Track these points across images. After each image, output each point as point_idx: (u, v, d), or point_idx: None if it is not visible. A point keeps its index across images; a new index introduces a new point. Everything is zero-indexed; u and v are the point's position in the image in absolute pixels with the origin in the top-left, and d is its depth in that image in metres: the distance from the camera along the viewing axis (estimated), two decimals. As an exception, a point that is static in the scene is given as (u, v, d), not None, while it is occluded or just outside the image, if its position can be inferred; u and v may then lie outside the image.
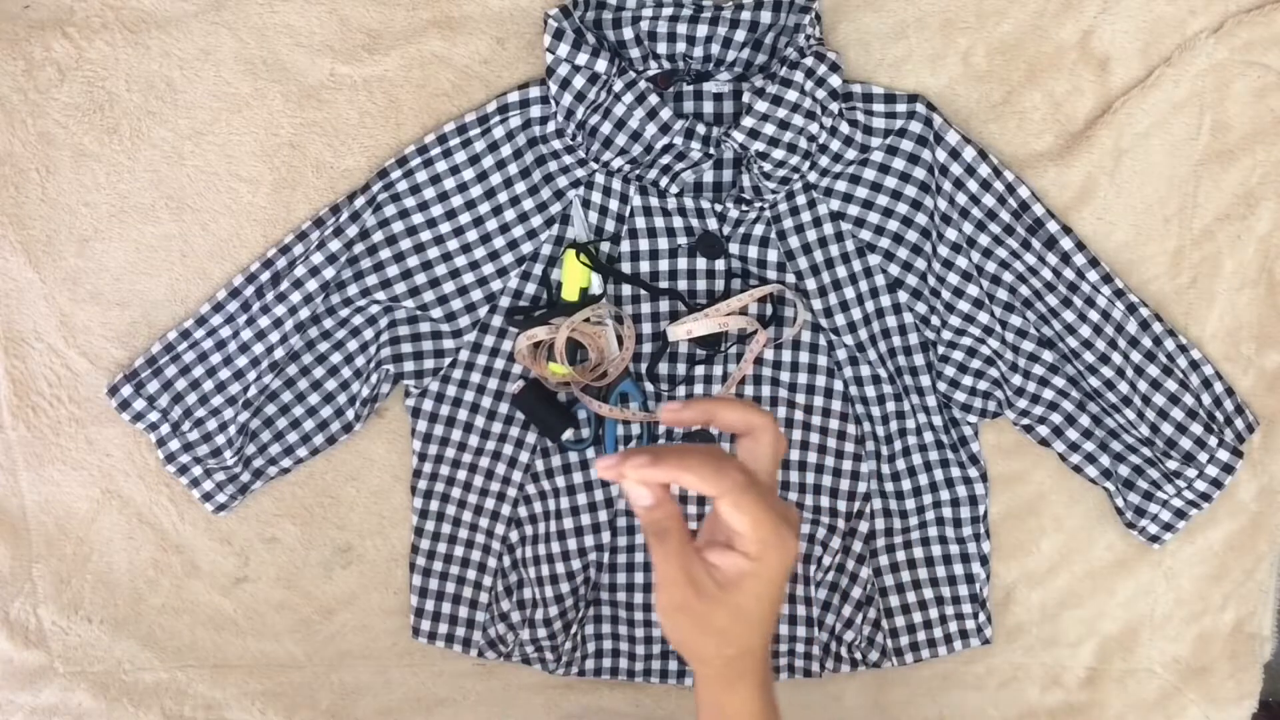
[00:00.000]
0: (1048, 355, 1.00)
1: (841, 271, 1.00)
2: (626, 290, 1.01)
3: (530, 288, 1.01)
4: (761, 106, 0.92)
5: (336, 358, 1.01)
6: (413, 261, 1.00)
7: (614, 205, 0.99)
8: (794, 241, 1.00)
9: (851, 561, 1.04)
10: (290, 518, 1.06)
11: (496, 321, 1.02)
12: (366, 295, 1.00)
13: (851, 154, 0.98)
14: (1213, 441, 0.99)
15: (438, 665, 1.09)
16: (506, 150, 0.99)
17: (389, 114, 1.00)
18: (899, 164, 0.98)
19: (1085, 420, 1.01)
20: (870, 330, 1.01)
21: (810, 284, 1.00)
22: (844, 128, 0.97)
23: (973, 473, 1.03)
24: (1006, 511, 1.06)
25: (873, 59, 0.99)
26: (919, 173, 0.98)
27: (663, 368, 1.02)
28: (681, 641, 0.62)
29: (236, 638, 1.08)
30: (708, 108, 0.99)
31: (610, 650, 1.06)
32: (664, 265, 1.01)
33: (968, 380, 1.01)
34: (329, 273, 0.99)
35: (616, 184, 0.99)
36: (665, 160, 0.97)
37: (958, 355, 1.01)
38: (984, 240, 0.99)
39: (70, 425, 1.04)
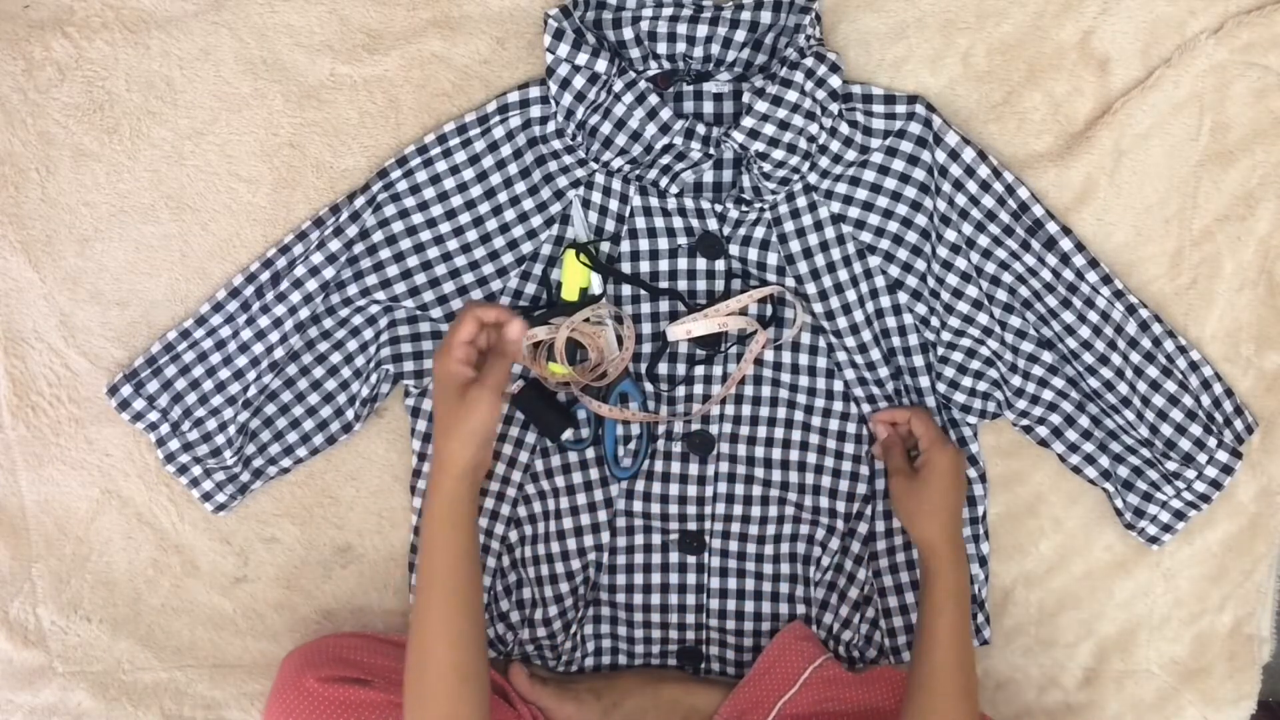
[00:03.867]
0: (1047, 356, 1.01)
1: (842, 274, 1.00)
2: (626, 290, 1.01)
3: (530, 288, 1.01)
4: (761, 107, 0.92)
5: (336, 358, 1.01)
6: (413, 261, 1.00)
7: (614, 205, 0.99)
8: (794, 245, 1.00)
9: (850, 562, 1.04)
10: (290, 518, 1.07)
11: (496, 321, 1.02)
12: (366, 295, 1.00)
13: (851, 155, 0.98)
14: (1212, 442, 0.99)
15: (437, 665, 1.09)
16: (506, 150, 0.99)
17: (389, 114, 1.00)
18: (898, 165, 0.98)
19: (1084, 421, 1.01)
20: (871, 331, 1.01)
21: (810, 287, 1.00)
22: (844, 128, 0.97)
23: (972, 473, 1.03)
24: (1005, 512, 1.06)
25: (873, 59, 0.99)
26: (918, 174, 0.98)
27: (662, 368, 1.02)
28: (904, 515, 0.98)
29: (236, 638, 1.08)
30: (708, 108, 0.99)
31: (610, 649, 1.06)
32: (664, 265, 1.01)
33: (967, 381, 1.01)
34: (329, 273, 0.99)
35: (616, 184, 0.99)
36: (665, 160, 0.97)
37: (957, 356, 1.01)
38: (983, 241, 0.99)
39: (70, 425, 1.04)
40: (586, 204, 1.00)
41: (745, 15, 0.95)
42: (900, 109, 0.97)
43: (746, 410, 1.02)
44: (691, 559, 1.04)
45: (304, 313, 0.99)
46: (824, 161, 0.98)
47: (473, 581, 0.84)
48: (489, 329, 0.88)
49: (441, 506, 0.84)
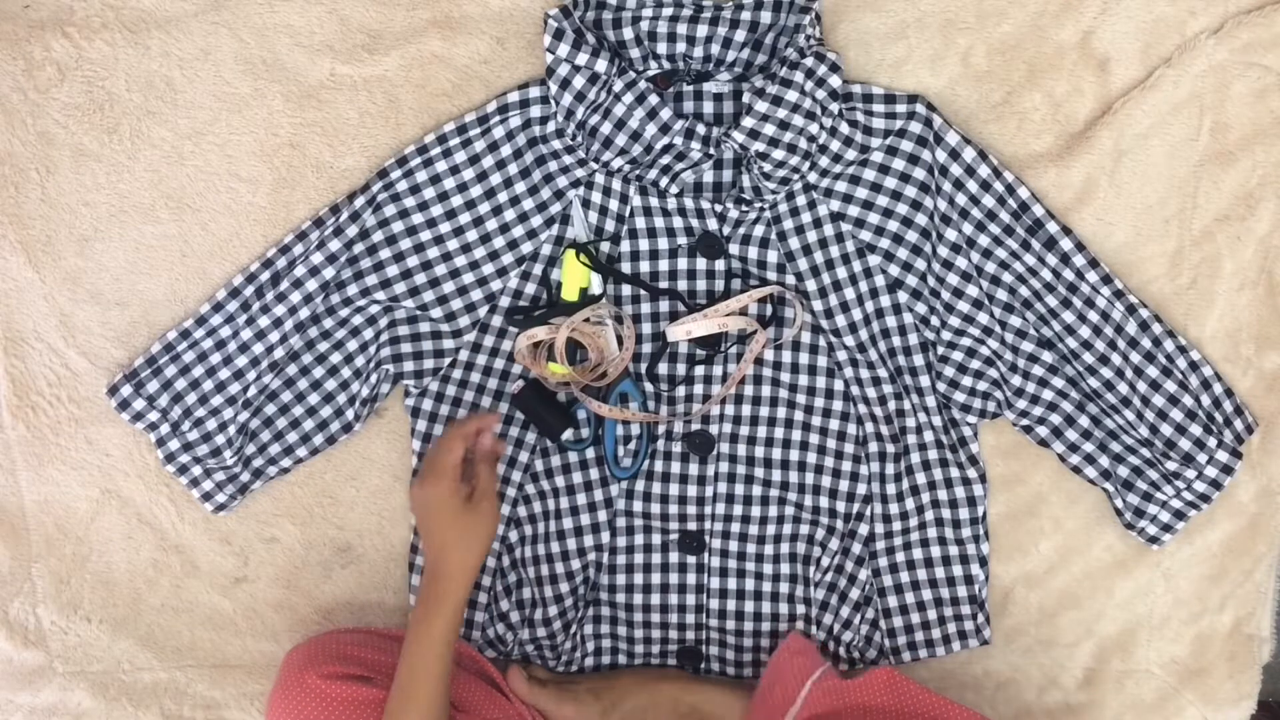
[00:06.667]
0: (1047, 356, 1.01)
1: (842, 272, 1.00)
2: (626, 290, 1.01)
3: (530, 288, 1.01)
4: (761, 107, 0.92)
5: (336, 358, 1.01)
6: (413, 261, 1.00)
7: (614, 205, 0.99)
8: (794, 242, 1.00)
9: (850, 563, 1.04)
10: (290, 518, 1.07)
11: (496, 321, 1.02)
12: (366, 295, 1.00)
13: (851, 154, 0.98)
14: (1212, 442, 0.99)
15: (437, 665, 1.09)
16: (506, 150, 0.99)
17: (389, 114, 1.00)
18: (899, 164, 0.98)
19: (1084, 421, 1.01)
20: (870, 330, 1.01)
21: (810, 285, 1.00)
22: (844, 128, 0.97)
23: (972, 473, 1.03)
24: (1005, 512, 1.06)
25: (873, 59, 0.99)
26: (919, 173, 0.98)
27: (663, 368, 1.02)
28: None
29: (236, 638, 1.08)
30: (708, 108, 0.99)
31: (609, 649, 1.06)
32: (664, 265, 1.01)
33: (967, 380, 1.01)
34: (329, 273, 0.99)
35: (616, 184, 0.99)
36: (665, 160, 0.96)
37: (957, 355, 1.01)
38: (984, 241, 0.99)
39: (70, 425, 1.04)
40: (586, 204, 1.00)
41: (745, 15, 0.95)
42: (900, 108, 0.97)
43: (746, 410, 1.02)
44: (691, 559, 1.04)
45: (304, 313, 0.99)
46: (824, 161, 0.98)
47: (450, 672, 0.90)
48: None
49: (455, 616, 0.90)
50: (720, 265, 1.00)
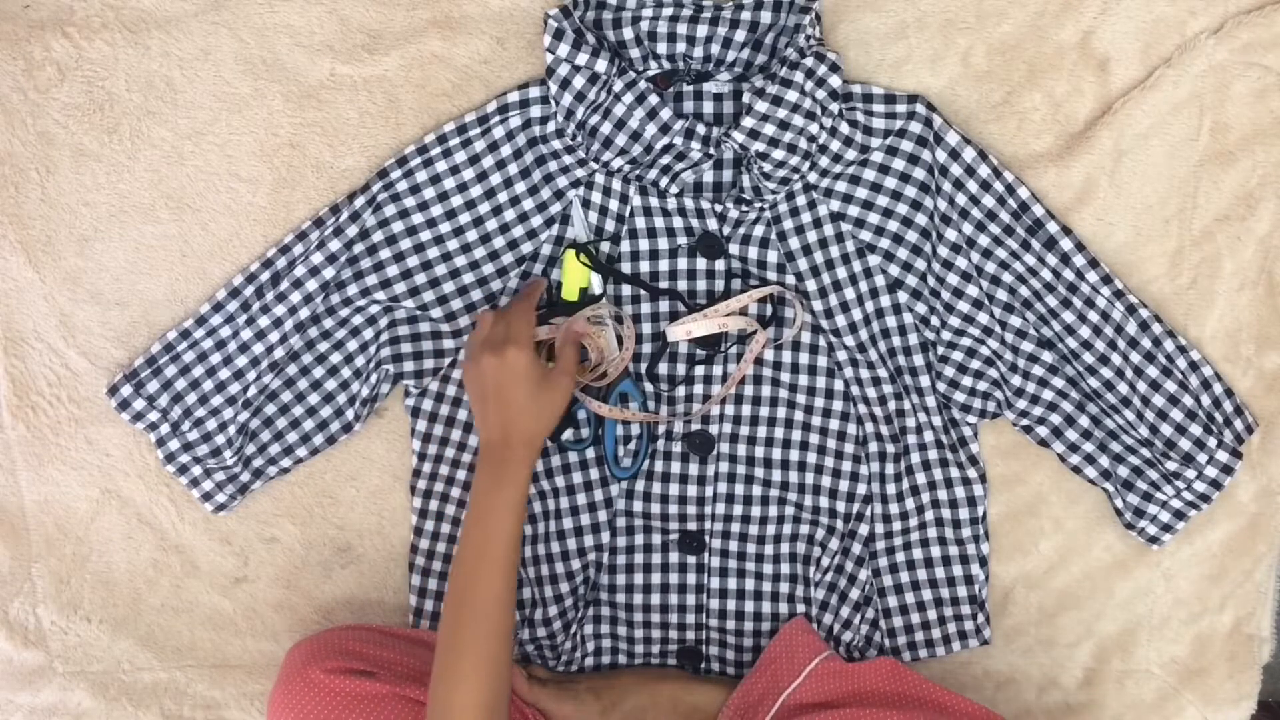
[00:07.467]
0: (1047, 356, 1.01)
1: (841, 272, 1.00)
2: (626, 290, 1.01)
3: (530, 288, 1.02)
4: (761, 107, 0.92)
5: (336, 358, 1.01)
6: (413, 261, 1.00)
7: (614, 205, 0.99)
8: (794, 242, 1.00)
9: (850, 563, 1.04)
10: (290, 518, 1.07)
11: (496, 321, 1.02)
12: (366, 295, 1.00)
13: (851, 154, 0.98)
14: (1212, 442, 0.99)
15: (437, 665, 1.09)
16: (506, 150, 0.99)
17: (389, 114, 1.00)
18: (899, 164, 0.98)
19: (1084, 421, 1.01)
20: (870, 330, 1.01)
21: (810, 285, 1.00)
22: (844, 128, 0.97)
23: (972, 473, 1.03)
24: (1005, 513, 1.06)
25: (873, 59, 0.99)
26: (919, 173, 0.98)
27: (663, 368, 1.02)
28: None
29: (236, 638, 1.08)
30: (708, 108, 0.99)
31: (610, 649, 1.06)
32: (664, 265, 1.01)
33: (967, 380, 1.01)
34: (329, 273, 0.99)
35: (616, 184, 0.99)
36: (665, 160, 0.96)
37: (957, 355, 1.01)
38: (984, 241, 0.99)
39: (70, 425, 1.04)
40: (586, 204, 1.00)
41: (745, 15, 0.95)
42: (900, 108, 0.97)
43: (746, 410, 1.02)
44: (691, 559, 1.04)
45: (304, 313, 0.99)
46: (824, 161, 0.98)
47: (520, 548, 0.92)
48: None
49: (526, 485, 0.91)
50: (720, 265, 1.00)
